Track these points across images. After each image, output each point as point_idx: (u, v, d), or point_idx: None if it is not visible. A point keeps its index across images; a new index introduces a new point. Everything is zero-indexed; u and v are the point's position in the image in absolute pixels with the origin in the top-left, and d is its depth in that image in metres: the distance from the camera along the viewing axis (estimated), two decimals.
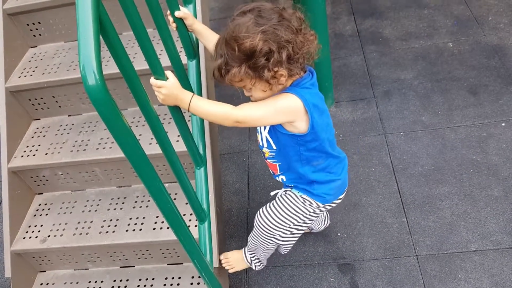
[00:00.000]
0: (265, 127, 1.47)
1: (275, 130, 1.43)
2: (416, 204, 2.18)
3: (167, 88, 1.29)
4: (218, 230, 1.73)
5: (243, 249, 1.86)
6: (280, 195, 1.64)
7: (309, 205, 1.58)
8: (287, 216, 1.59)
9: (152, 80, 1.29)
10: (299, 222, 1.61)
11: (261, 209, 1.63)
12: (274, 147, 1.49)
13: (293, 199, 1.58)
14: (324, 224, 2.10)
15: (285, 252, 1.85)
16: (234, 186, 2.44)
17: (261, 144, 1.54)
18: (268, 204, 1.63)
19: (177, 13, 1.49)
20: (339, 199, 1.65)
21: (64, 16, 2.04)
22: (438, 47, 2.91)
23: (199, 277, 1.87)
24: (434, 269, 1.95)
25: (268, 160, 1.58)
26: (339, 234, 2.15)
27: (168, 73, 1.32)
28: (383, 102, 2.66)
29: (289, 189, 1.62)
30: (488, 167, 2.25)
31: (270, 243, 1.68)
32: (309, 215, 1.61)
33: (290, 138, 1.42)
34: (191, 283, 1.86)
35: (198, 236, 1.65)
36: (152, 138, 1.85)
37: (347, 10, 3.34)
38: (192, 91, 1.54)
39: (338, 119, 2.62)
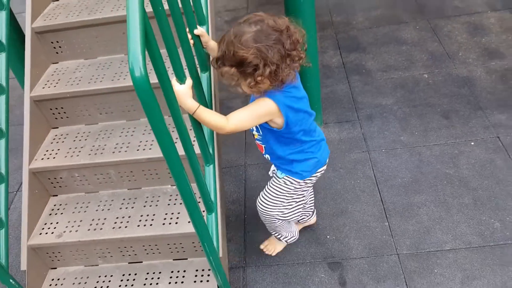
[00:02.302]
0: None
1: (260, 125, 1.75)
2: (397, 211, 2.42)
3: (176, 91, 1.53)
4: (222, 224, 1.93)
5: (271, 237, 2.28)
6: (269, 182, 1.97)
7: (290, 183, 1.89)
8: (275, 198, 1.95)
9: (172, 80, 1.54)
10: (288, 200, 1.95)
11: (258, 198, 1.98)
12: (261, 132, 1.80)
13: (277, 182, 1.92)
14: (309, 217, 2.34)
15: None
16: (232, 196, 2.65)
17: (253, 128, 1.84)
18: (261, 191, 1.98)
19: (195, 31, 1.75)
20: (316, 174, 1.92)
21: (85, 36, 2.30)
22: (415, 77, 3.24)
23: (203, 270, 2.05)
24: (413, 265, 2.18)
25: (257, 141, 1.90)
26: (328, 236, 2.37)
27: (188, 81, 1.58)
28: (366, 124, 2.94)
29: (275, 169, 1.94)
30: (459, 179, 2.52)
31: (277, 222, 2.02)
32: (294, 192, 1.93)
33: (270, 131, 1.74)
34: (195, 275, 2.04)
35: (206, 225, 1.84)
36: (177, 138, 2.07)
37: (333, 45, 3.68)
38: (204, 97, 1.78)
39: (327, 138, 2.80)
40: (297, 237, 2.28)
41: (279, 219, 2.02)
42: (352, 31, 3.80)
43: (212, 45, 1.81)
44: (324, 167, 1.94)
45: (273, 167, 2.03)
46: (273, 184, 1.95)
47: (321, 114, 2.96)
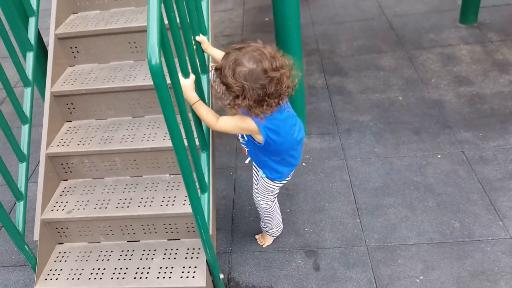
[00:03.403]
0: None
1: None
2: (368, 210, 2.72)
3: (182, 83, 1.84)
4: (213, 206, 2.22)
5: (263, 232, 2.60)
6: (255, 178, 2.32)
7: (269, 182, 2.24)
8: (263, 194, 2.31)
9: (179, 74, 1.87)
10: (268, 193, 2.30)
11: (253, 193, 2.38)
12: (246, 138, 2.10)
13: (263, 181, 2.26)
14: None
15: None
16: (222, 192, 2.94)
17: (238, 135, 2.15)
18: (254, 189, 2.37)
19: (197, 38, 2.09)
20: (283, 182, 2.28)
21: (100, 43, 2.63)
22: (391, 99, 3.60)
23: (193, 249, 2.32)
24: (380, 255, 2.46)
25: (241, 144, 2.21)
26: (306, 229, 2.65)
27: (191, 76, 1.91)
28: (345, 136, 3.28)
29: (258, 169, 2.26)
30: (425, 185, 2.84)
31: (264, 212, 2.39)
32: (271, 189, 2.29)
33: (253, 142, 2.04)
34: (187, 253, 2.30)
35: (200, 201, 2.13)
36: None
37: (318, 69, 4.06)
38: (203, 92, 2.10)
39: (309, 147, 3.21)
40: (281, 227, 2.58)
41: (263, 208, 2.38)
42: (336, 57, 4.20)
43: (211, 51, 2.15)
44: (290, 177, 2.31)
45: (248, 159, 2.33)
46: (260, 184, 2.29)
47: (306, 125, 3.29)
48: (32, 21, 2.44)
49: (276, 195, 2.37)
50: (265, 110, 1.84)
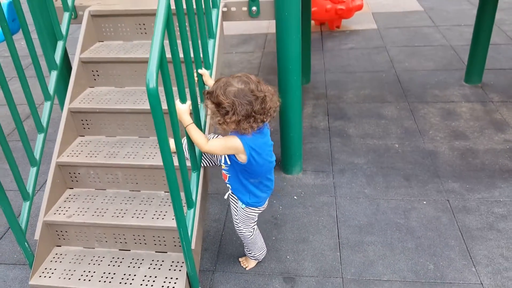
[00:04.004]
0: None
1: (229, 156, 2.27)
2: (349, 245, 2.86)
3: (178, 107, 2.11)
4: (199, 223, 2.42)
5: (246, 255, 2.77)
6: (235, 211, 2.53)
7: (248, 210, 2.44)
8: (244, 223, 2.50)
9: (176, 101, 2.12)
10: (249, 221, 2.49)
11: (234, 223, 2.57)
12: (229, 163, 2.30)
13: (243, 212, 2.46)
14: None
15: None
16: (214, 216, 3.13)
17: (222, 160, 2.34)
18: (233, 219, 2.56)
19: (200, 71, 2.36)
20: (262, 208, 2.48)
21: (118, 69, 2.94)
22: (387, 146, 3.78)
23: (178, 262, 2.50)
24: (354, 287, 2.59)
25: (223, 171, 2.40)
26: (288, 257, 2.80)
27: (188, 102, 2.17)
28: (338, 176, 3.46)
29: (236, 200, 2.46)
30: (407, 228, 2.97)
31: (247, 240, 2.56)
32: (252, 216, 2.48)
33: (237, 163, 2.24)
34: (171, 265, 2.49)
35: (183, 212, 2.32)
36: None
37: (323, 113, 4.29)
38: (199, 117, 2.34)
39: (303, 182, 3.40)
40: (265, 251, 2.74)
41: (245, 236, 2.56)
42: (341, 103, 4.43)
43: (211, 83, 2.41)
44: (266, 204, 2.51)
45: (229, 191, 2.49)
46: (240, 214, 2.48)
47: (301, 162, 3.49)
48: (60, 44, 2.77)
49: (255, 222, 2.54)
50: (252, 125, 2.07)
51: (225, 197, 2.53)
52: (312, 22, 6.46)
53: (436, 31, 6.10)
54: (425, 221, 3.03)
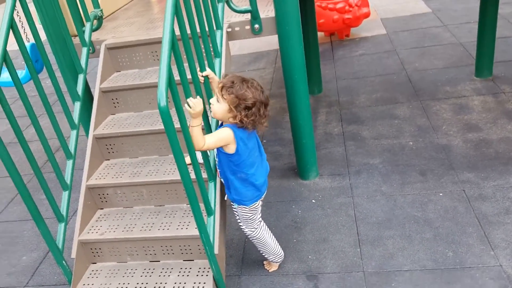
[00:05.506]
0: None
1: (218, 150, 2.43)
2: (369, 241, 2.96)
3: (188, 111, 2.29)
4: (220, 228, 2.57)
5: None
6: (236, 214, 2.70)
7: (244, 209, 2.57)
8: (245, 222, 2.65)
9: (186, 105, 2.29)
10: (247, 220, 2.63)
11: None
12: (216, 160, 2.49)
13: (239, 211, 2.61)
14: None
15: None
16: (236, 225, 3.27)
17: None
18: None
19: (204, 73, 2.52)
20: (259, 202, 2.58)
21: (136, 96, 3.16)
22: (401, 144, 3.87)
23: (204, 268, 2.65)
24: (375, 279, 2.68)
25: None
26: (309, 257, 2.92)
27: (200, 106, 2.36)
28: (354, 177, 3.57)
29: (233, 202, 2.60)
30: (424, 220, 3.05)
31: (254, 240, 2.72)
32: (250, 214, 2.60)
33: (224, 155, 2.39)
34: (198, 271, 2.64)
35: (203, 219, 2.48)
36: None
37: (337, 119, 4.42)
38: (207, 118, 2.49)
39: (320, 186, 3.52)
40: (282, 256, 2.85)
41: (257, 237, 2.69)
42: (354, 108, 4.56)
43: (217, 79, 2.56)
44: (261, 200, 2.61)
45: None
46: (239, 213, 2.64)
47: (317, 167, 3.62)
48: (81, 77, 3.02)
49: (258, 222, 2.66)
50: (255, 122, 2.30)
51: (225, 198, 2.68)
52: (322, 33, 6.64)
53: (445, 30, 6.18)
54: (442, 211, 3.09)
